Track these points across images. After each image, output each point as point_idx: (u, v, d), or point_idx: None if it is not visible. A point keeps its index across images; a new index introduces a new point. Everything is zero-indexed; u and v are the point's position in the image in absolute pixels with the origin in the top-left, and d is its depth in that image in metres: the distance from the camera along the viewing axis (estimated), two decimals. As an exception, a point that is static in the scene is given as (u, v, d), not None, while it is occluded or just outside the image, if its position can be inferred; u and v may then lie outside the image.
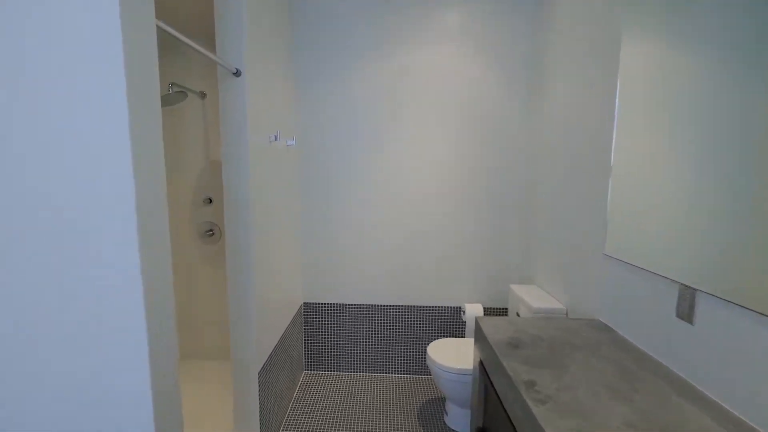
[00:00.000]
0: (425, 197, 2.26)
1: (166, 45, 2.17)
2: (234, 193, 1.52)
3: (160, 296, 0.89)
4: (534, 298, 1.76)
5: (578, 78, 1.60)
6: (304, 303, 2.39)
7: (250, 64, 1.50)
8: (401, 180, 2.26)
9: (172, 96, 1.87)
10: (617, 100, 1.30)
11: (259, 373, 1.59)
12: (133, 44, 0.80)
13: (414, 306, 2.34)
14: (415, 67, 2.17)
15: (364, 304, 2.36)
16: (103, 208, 0.81)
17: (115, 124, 0.79)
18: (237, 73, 1.45)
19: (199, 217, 2.35)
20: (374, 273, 2.33)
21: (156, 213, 0.89)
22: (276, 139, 1.75)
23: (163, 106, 1.92)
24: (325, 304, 2.38)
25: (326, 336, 2.41)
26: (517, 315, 1.86)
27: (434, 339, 2.35)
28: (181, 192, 2.32)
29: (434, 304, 2.33)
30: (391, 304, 2.35)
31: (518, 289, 1.91)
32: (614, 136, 1.31)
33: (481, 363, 1.36)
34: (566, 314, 1.63)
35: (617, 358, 1.11)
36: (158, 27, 0.95)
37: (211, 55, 1.28)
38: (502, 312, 2.29)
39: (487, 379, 1.29)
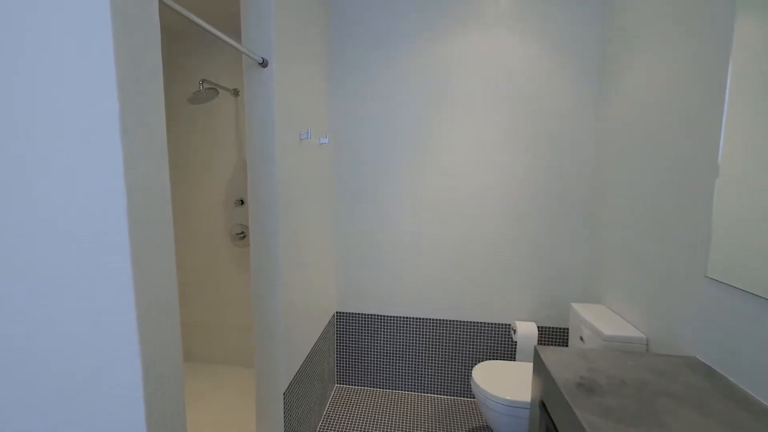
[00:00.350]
0: (473, 200, 2.02)
1: (199, 40, 2.12)
2: (259, 193, 1.39)
3: (157, 303, 0.76)
4: (604, 322, 1.48)
5: (671, 55, 1.31)
6: (337, 312, 2.25)
7: (278, 53, 1.36)
8: (446, 181, 2.04)
9: (203, 93, 1.79)
10: (728, 81, 1.02)
11: (284, 393, 1.45)
12: (126, 21, 0.67)
13: (457, 321, 2.11)
14: (463, 56, 1.95)
15: (402, 316, 2.17)
16: (89, 210, 0.69)
17: (100, 112, 0.66)
18: (263, 63, 1.32)
19: (231, 219, 2.28)
20: (414, 283, 2.14)
21: (154, 214, 0.75)
22: (307, 137, 1.61)
23: (193, 103, 1.85)
24: (359, 314, 2.22)
25: (360, 348, 2.25)
26: (581, 339, 1.59)
27: (480, 359, 2.11)
28: (213, 193, 2.26)
29: (480, 320, 2.09)
30: (432, 317, 2.14)
31: (582, 310, 1.63)
32: (723, 128, 1.03)
33: (542, 402, 1.12)
34: (647, 345, 1.34)
35: (735, 418, 0.84)
36: (163, 4, 0.82)
37: (233, 42, 1.15)
38: (561, 333, 2.00)
39: (549, 422, 1.05)
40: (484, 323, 2.08)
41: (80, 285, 0.72)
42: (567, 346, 1.97)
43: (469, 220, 2.04)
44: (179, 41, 2.13)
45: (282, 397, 1.43)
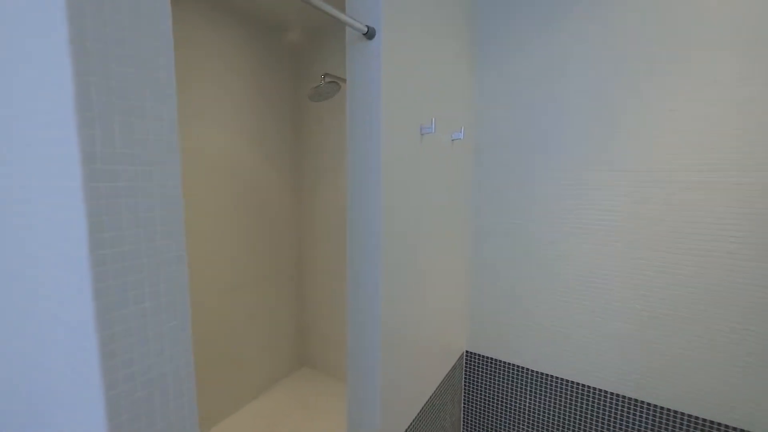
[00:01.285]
0: (702, 221, 1.26)
1: (328, 34, 1.98)
2: (358, 202, 1.08)
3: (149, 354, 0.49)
4: None
5: None
6: (467, 352, 1.79)
7: (389, 20, 1.01)
8: (656, 192, 1.34)
9: (324, 88, 1.62)
10: None
11: (382, 469, 1.11)
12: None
13: (656, 407, 1.37)
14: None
15: (562, 377, 1.55)
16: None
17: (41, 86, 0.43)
18: (369, 34, 0.99)
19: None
20: (587, 335, 1.49)
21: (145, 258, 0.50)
22: (431, 130, 1.22)
23: (314, 100, 1.70)
24: (498, 361, 1.70)
25: (496, 405, 1.73)
26: None
27: (692, 473, 1.32)
28: (339, 195, 2.11)
29: (703, 415, 1.29)
30: (611, 390, 1.45)
31: None
32: None
33: None
34: None
35: None
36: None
37: (327, 7, 0.86)
38: None
39: None
40: (709, 422, 1.27)
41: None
42: None
43: (697, 258, 1.27)
44: (310, 39, 2.05)
45: (378, 474, 1.09)
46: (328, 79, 1.60)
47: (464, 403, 1.81)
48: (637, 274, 1.36)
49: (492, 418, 1.74)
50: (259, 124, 1.91)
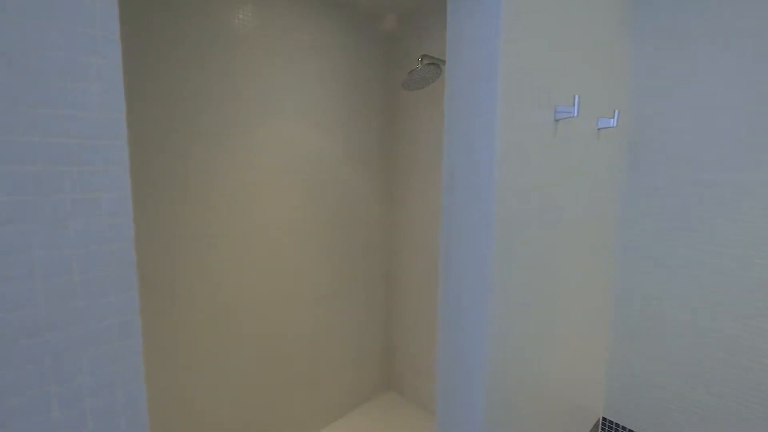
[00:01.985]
0: None
1: (415, 19, 1.68)
2: (458, 210, 0.76)
3: None
4: None
5: None
6: (604, 420, 1.31)
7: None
8: None
9: (422, 71, 1.33)
10: None
11: None
12: None
13: None
14: None
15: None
16: None
17: None
18: (482, -30, 0.67)
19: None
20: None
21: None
22: (572, 113, 0.84)
23: (410, 87, 1.43)
24: (650, 442, 1.20)
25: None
26: None
27: None
28: (437, 199, 1.79)
29: None
30: None
31: None
32: None
33: None
34: None
35: None
36: None
37: None
38: None
39: None
40: None
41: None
42: None
43: None
44: (405, 25, 1.78)
45: None
46: (426, 62, 1.32)
47: (596, 491, 1.33)
48: None
49: None
50: (348, 120, 1.72)
